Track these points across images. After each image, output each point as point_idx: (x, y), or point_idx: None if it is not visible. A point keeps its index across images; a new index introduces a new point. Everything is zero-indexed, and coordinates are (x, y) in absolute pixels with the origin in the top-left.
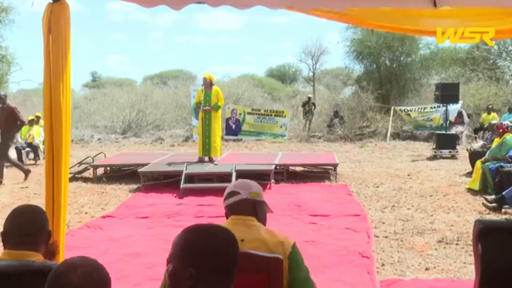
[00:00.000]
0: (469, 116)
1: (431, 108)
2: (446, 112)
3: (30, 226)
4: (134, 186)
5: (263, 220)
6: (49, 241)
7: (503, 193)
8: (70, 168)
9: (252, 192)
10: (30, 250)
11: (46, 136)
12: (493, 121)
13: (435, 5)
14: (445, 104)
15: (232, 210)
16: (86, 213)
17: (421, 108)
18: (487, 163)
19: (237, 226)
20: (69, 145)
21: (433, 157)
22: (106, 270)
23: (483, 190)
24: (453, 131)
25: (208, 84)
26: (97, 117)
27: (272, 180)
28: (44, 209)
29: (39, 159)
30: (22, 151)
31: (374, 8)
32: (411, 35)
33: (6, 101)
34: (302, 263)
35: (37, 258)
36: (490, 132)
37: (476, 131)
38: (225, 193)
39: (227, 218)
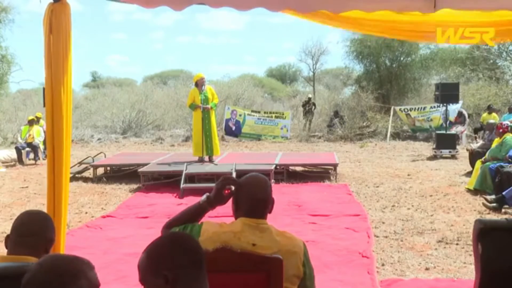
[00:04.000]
0: (469, 116)
1: (431, 108)
2: (446, 112)
3: (29, 225)
4: (134, 186)
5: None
6: (50, 249)
7: (503, 193)
8: (70, 168)
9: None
10: (27, 255)
11: (47, 136)
12: (491, 121)
13: (434, 7)
14: (445, 104)
15: (250, 210)
16: (86, 213)
17: (421, 108)
18: (487, 163)
19: (250, 229)
20: (69, 145)
21: (433, 157)
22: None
23: (479, 190)
24: (453, 131)
25: (204, 83)
26: (97, 117)
27: (272, 180)
28: (44, 209)
29: (39, 159)
30: (22, 151)
31: (373, 11)
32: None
33: None
34: (311, 269)
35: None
36: (488, 132)
37: (476, 131)
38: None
39: (236, 208)
